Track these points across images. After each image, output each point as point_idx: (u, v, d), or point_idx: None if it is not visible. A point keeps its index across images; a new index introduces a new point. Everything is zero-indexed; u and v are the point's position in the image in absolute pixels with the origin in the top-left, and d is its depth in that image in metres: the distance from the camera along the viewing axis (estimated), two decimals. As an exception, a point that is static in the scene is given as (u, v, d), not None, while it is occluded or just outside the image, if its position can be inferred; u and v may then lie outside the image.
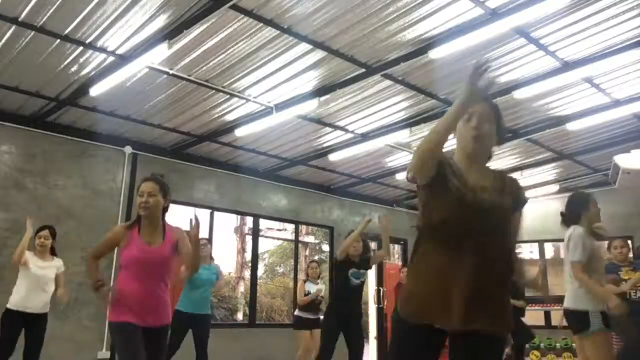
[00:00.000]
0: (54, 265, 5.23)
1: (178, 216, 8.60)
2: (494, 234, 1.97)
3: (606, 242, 5.40)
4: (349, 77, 6.00)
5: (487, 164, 2.18)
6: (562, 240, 4.06)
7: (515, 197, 2.10)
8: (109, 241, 3.31)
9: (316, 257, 16.51)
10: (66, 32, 5.06)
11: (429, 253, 2.03)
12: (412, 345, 2.00)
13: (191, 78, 5.96)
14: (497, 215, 1.98)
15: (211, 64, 5.68)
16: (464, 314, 1.88)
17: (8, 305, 5.01)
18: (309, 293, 6.73)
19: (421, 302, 1.98)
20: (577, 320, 3.75)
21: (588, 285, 3.67)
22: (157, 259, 3.19)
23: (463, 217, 1.96)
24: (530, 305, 8.40)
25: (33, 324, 5.04)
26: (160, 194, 3.22)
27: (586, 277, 3.67)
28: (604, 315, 3.69)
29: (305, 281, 6.94)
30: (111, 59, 5.54)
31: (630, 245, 9.66)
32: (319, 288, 6.85)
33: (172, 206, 7.69)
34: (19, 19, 4.87)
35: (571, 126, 7.21)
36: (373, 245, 10.65)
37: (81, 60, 5.58)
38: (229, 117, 7.07)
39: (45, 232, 5.25)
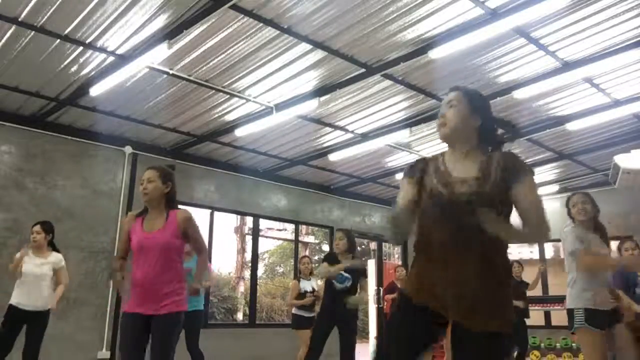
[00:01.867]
0: (50, 262, 5.13)
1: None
2: (473, 227, 1.88)
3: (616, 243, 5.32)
4: (349, 77, 6.00)
5: (483, 149, 2.09)
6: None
7: (508, 172, 1.96)
8: (123, 233, 3.34)
9: (316, 257, 16.50)
10: (66, 32, 5.06)
11: (417, 251, 2.10)
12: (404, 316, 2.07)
13: (191, 78, 5.97)
14: (475, 207, 1.91)
15: (211, 64, 5.68)
16: (449, 308, 1.93)
17: (10, 302, 5.01)
18: (304, 292, 6.68)
19: (414, 291, 2.06)
20: (568, 318, 3.86)
21: (585, 260, 3.72)
22: (153, 244, 3.16)
23: (437, 213, 1.99)
24: (530, 305, 8.41)
25: (33, 321, 5.01)
26: (160, 179, 3.25)
27: (584, 256, 3.73)
28: (587, 313, 3.74)
29: (299, 279, 6.88)
30: (111, 59, 5.54)
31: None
32: (313, 286, 6.77)
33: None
34: (19, 19, 4.87)
35: (571, 126, 7.21)
36: (373, 245, 10.66)
37: (81, 60, 5.58)
38: (229, 117, 7.07)
39: (37, 227, 5.15)
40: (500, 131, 2.05)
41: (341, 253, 5.25)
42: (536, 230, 1.92)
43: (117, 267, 3.31)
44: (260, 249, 12.33)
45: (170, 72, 5.81)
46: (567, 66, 5.77)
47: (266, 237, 15.79)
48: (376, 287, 10.81)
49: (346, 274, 5.09)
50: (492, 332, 1.87)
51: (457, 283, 1.91)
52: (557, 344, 9.74)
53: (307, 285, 6.75)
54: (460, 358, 1.93)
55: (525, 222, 1.93)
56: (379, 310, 10.71)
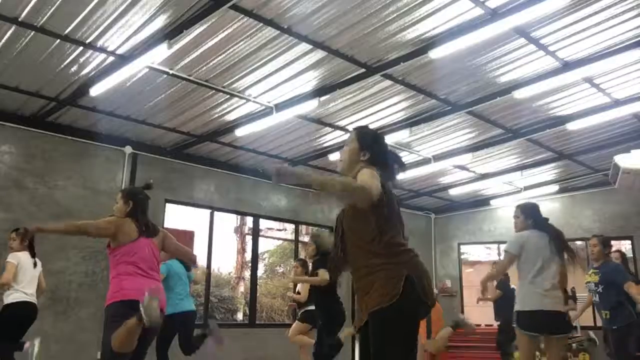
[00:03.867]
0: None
1: (178, 216, 8.64)
2: (349, 243, 2.50)
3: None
4: (349, 77, 6.00)
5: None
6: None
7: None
8: None
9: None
10: (66, 32, 5.06)
11: None
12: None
13: (191, 78, 5.96)
14: (345, 226, 2.59)
15: (211, 64, 5.68)
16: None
17: None
18: (299, 293, 6.74)
19: None
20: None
21: None
22: None
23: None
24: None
25: None
26: (122, 200, 3.73)
27: None
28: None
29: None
30: (111, 59, 5.53)
31: (631, 246, 9.68)
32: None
33: (172, 206, 7.72)
34: (19, 19, 4.87)
35: (571, 126, 7.22)
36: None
37: (81, 60, 5.57)
38: (229, 117, 7.07)
39: (13, 234, 5.39)
40: (393, 160, 2.67)
41: (311, 257, 5.57)
42: (352, 187, 2.33)
43: None
44: (260, 249, 12.32)
45: (170, 72, 5.81)
46: (567, 66, 5.77)
47: (266, 237, 15.75)
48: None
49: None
50: (374, 310, 2.26)
51: (357, 285, 2.44)
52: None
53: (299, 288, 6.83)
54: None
55: None
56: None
